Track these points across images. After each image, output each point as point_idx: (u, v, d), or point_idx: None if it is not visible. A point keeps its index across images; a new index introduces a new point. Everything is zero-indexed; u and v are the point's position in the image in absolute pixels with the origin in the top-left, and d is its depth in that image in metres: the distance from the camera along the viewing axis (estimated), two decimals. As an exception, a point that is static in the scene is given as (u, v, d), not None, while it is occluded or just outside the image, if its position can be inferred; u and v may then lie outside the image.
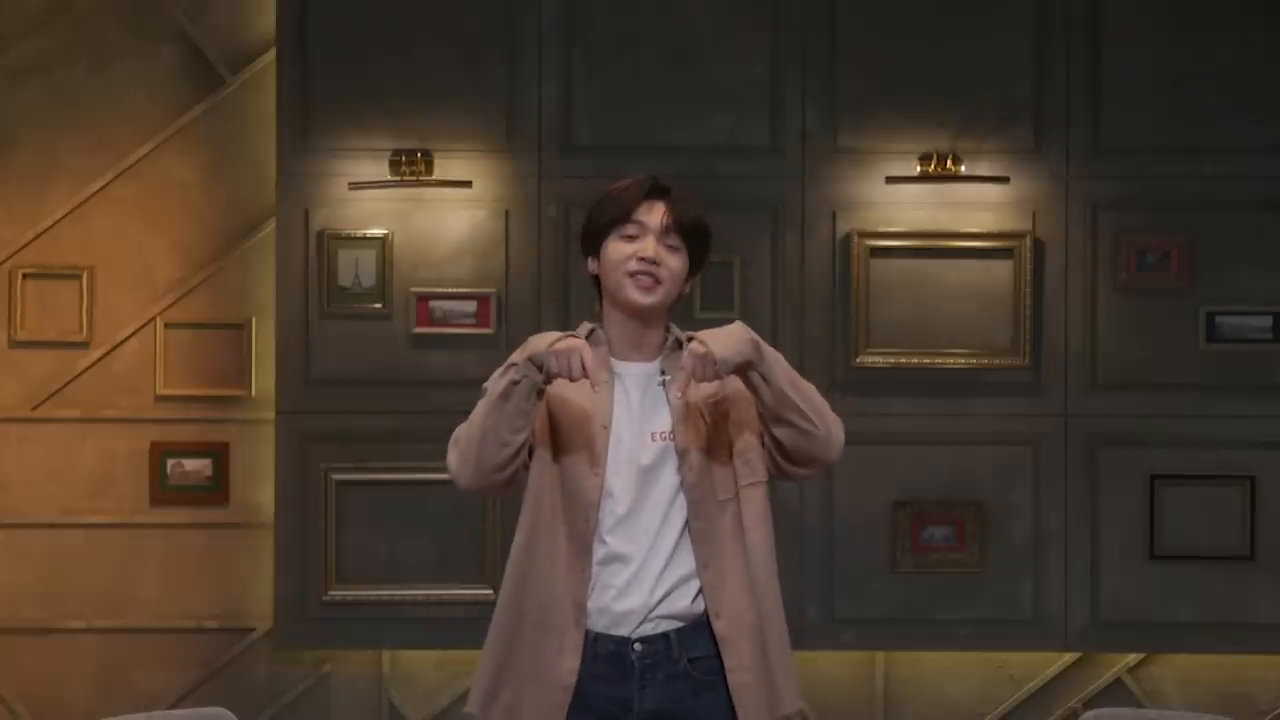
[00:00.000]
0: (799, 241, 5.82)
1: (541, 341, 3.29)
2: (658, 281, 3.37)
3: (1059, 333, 5.81)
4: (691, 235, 3.40)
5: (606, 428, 3.36)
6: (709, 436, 3.37)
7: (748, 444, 3.38)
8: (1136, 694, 5.91)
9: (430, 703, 5.94)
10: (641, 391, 3.40)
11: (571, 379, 3.28)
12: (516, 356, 3.30)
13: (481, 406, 3.32)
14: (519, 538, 3.39)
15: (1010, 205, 5.82)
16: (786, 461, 3.37)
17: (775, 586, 3.40)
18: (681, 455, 3.35)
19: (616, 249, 3.39)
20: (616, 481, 3.35)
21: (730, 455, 3.38)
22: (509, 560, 3.40)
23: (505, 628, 3.38)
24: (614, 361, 3.41)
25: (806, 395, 3.33)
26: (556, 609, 3.33)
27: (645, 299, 3.38)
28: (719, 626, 3.35)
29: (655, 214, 3.39)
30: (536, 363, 3.27)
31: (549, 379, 3.29)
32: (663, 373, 3.40)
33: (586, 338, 3.40)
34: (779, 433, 3.33)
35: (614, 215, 3.39)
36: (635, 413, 3.38)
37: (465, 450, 3.33)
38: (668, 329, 3.45)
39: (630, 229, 3.39)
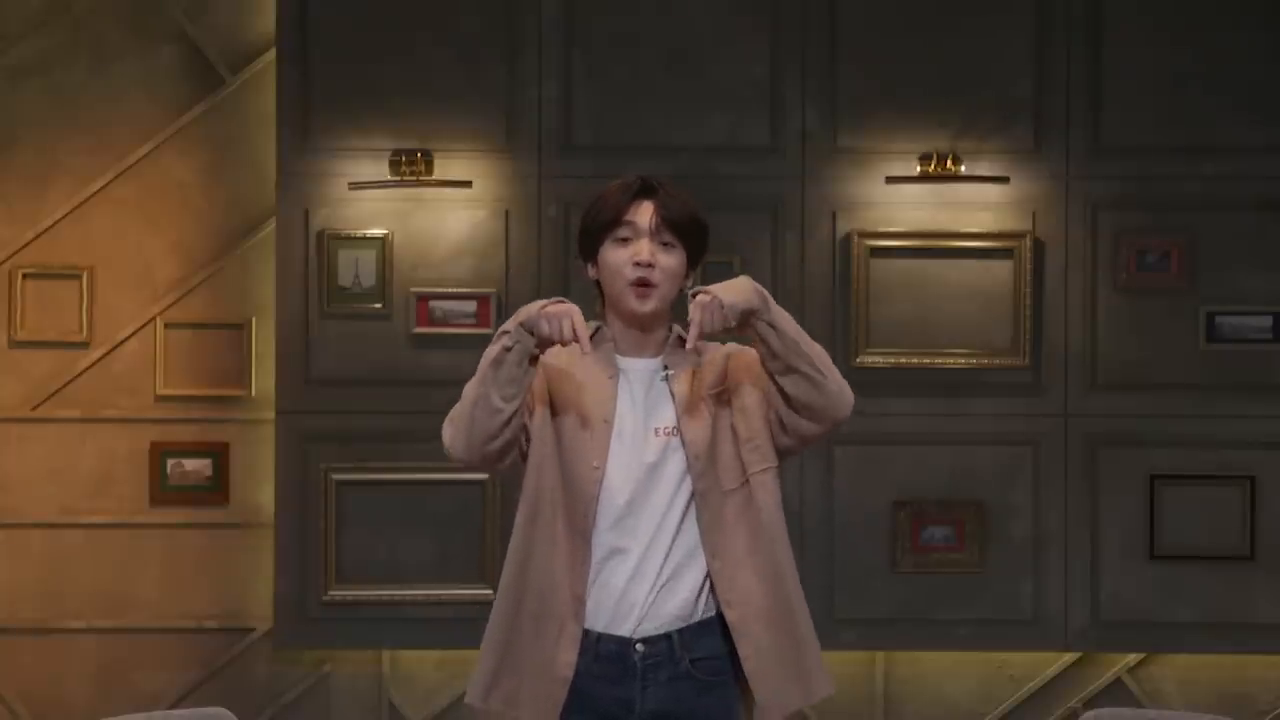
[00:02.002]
0: (799, 241, 5.82)
1: (533, 307, 3.29)
2: (654, 285, 3.37)
3: (1059, 333, 5.82)
4: (684, 231, 3.40)
5: (608, 422, 3.36)
6: (714, 427, 3.38)
7: (754, 430, 3.38)
8: (1136, 694, 5.91)
9: (430, 703, 5.94)
10: (645, 388, 3.40)
11: (563, 343, 3.28)
12: (509, 324, 3.30)
13: (475, 377, 3.33)
14: (518, 529, 3.38)
15: (1010, 205, 5.82)
16: (795, 416, 3.35)
17: (795, 571, 3.41)
18: (688, 447, 3.36)
19: (612, 255, 3.39)
20: (617, 476, 3.35)
21: (736, 444, 3.38)
22: (508, 551, 3.40)
23: (504, 618, 3.38)
24: (619, 358, 3.42)
25: (814, 348, 3.35)
26: (555, 600, 3.33)
27: (644, 307, 3.38)
28: (731, 616, 3.35)
29: (645, 214, 3.38)
30: (528, 327, 3.27)
31: (541, 344, 3.29)
32: (665, 367, 3.41)
33: (591, 336, 3.41)
34: (788, 384, 3.33)
35: (606, 219, 3.39)
36: (639, 409, 3.38)
37: (458, 420, 3.33)
38: (670, 325, 3.46)
39: (623, 232, 3.38)
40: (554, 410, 3.38)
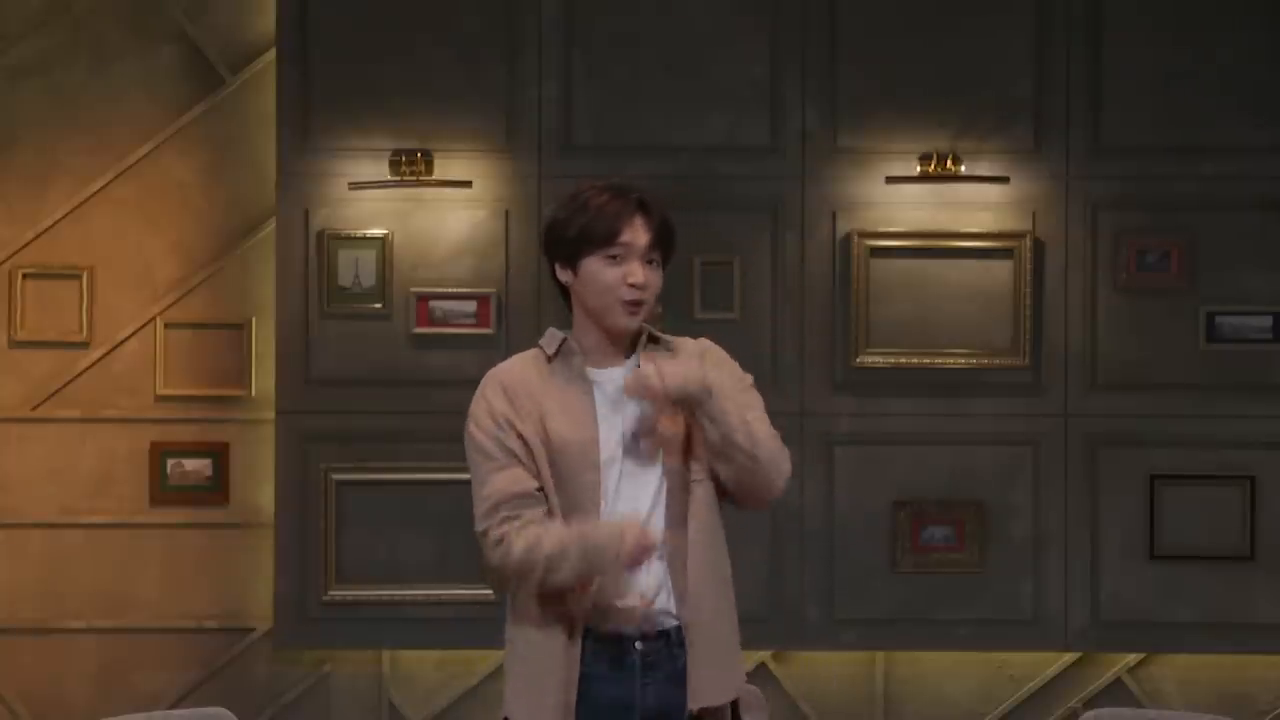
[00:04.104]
0: (799, 241, 5.82)
1: (606, 551, 3.27)
2: (645, 303, 3.39)
3: (1059, 333, 5.82)
4: (666, 243, 3.43)
5: (594, 439, 3.37)
6: (683, 425, 3.38)
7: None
8: (1136, 694, 5.91)
9: (430, 703, 5.94)
10: (618, 392, 3.41)
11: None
12: (572, 553, 3.28)
13: (540, 560, 3.32)
14: None
15: (1010, 205, 5.82)
16: (724, 495, 3.42)
17: (717, 583, 3.41)
18: (660, 442, 3.37)
19: (601, 271, 3.39)
20: (610, 484, 3.36)
21: (696, 444, 3.40)
22: None
23: (516, 630, 3.41)
24: (590, 370, 3.42)
25: (754, 436, 3.35)
26: (558, 607, 3.35)
27: (634, 324, 3.41)
28: (682, 613, 3.36)
29: (640, 235, 3.39)
30: (597, 570, 3.29)
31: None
32: (638, 365, 3.40)
33: (558, 349, 3.43)
34: (720, 467, 3.37)
35: (597, 236, 3.38)
36: (618, 413, 3.39)
37: (508, 577, 3.39)
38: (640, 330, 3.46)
39: (615, 250, 3.38)
40: (545, 439, 3.37)
